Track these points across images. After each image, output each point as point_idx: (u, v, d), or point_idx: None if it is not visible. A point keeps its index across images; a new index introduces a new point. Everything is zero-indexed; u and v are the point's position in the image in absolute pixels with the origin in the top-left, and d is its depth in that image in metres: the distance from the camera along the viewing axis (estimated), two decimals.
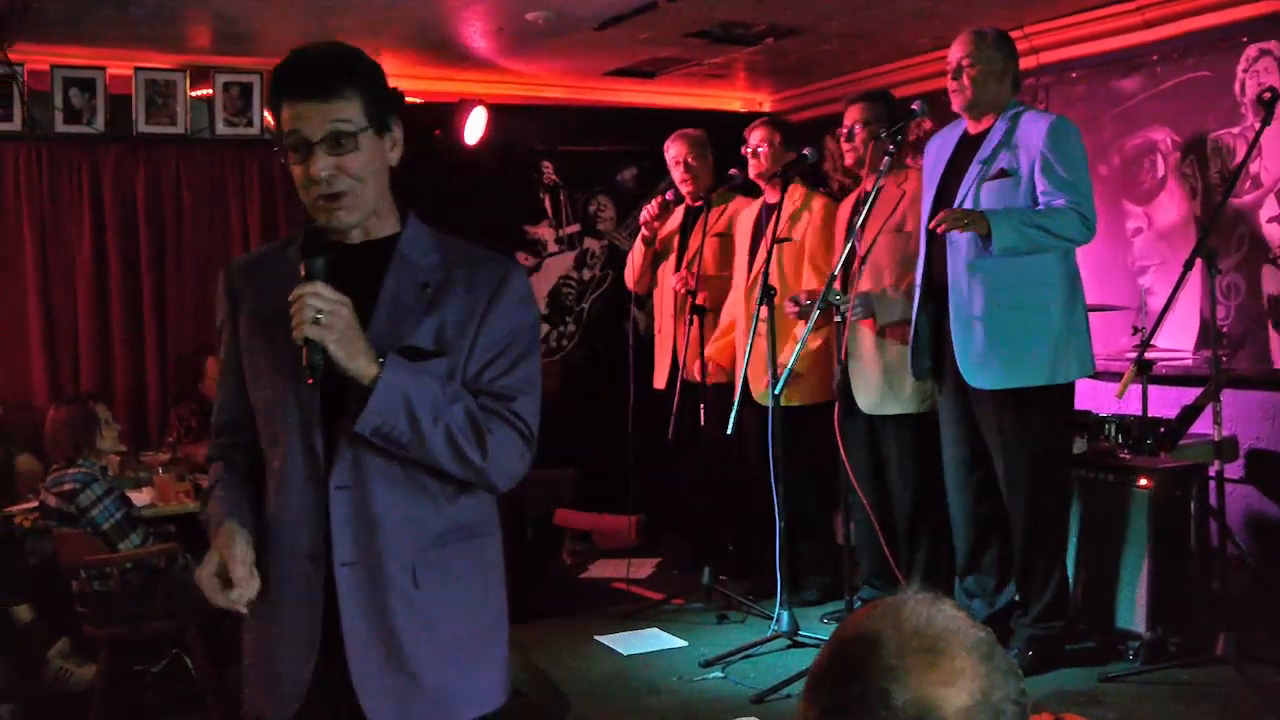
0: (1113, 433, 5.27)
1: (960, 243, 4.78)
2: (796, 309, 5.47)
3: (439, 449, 2.27)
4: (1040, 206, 4.67)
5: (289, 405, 2.33)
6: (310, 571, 2.33)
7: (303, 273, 2.25)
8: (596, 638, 5.55)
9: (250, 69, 7.06)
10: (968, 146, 4.93)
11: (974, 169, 4.82)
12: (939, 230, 4.65)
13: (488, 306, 2.35)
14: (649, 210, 6.46)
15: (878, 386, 5.40)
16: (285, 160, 2.30)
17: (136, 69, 6.84)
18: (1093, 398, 5.73)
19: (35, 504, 5.31)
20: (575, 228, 8.19)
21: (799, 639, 5.18)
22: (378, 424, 2.24)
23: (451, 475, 2.32)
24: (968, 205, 4.77)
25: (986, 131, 4.86)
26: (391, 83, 6.94)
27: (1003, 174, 4.75)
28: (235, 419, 2.48)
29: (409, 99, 7.10)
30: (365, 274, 2.34)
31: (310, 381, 2.23)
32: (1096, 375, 5.25)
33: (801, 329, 5.34)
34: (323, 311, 2.19)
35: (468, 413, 2.30)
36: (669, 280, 6.45)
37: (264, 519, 2.40)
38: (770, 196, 5.99)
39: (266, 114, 7.14)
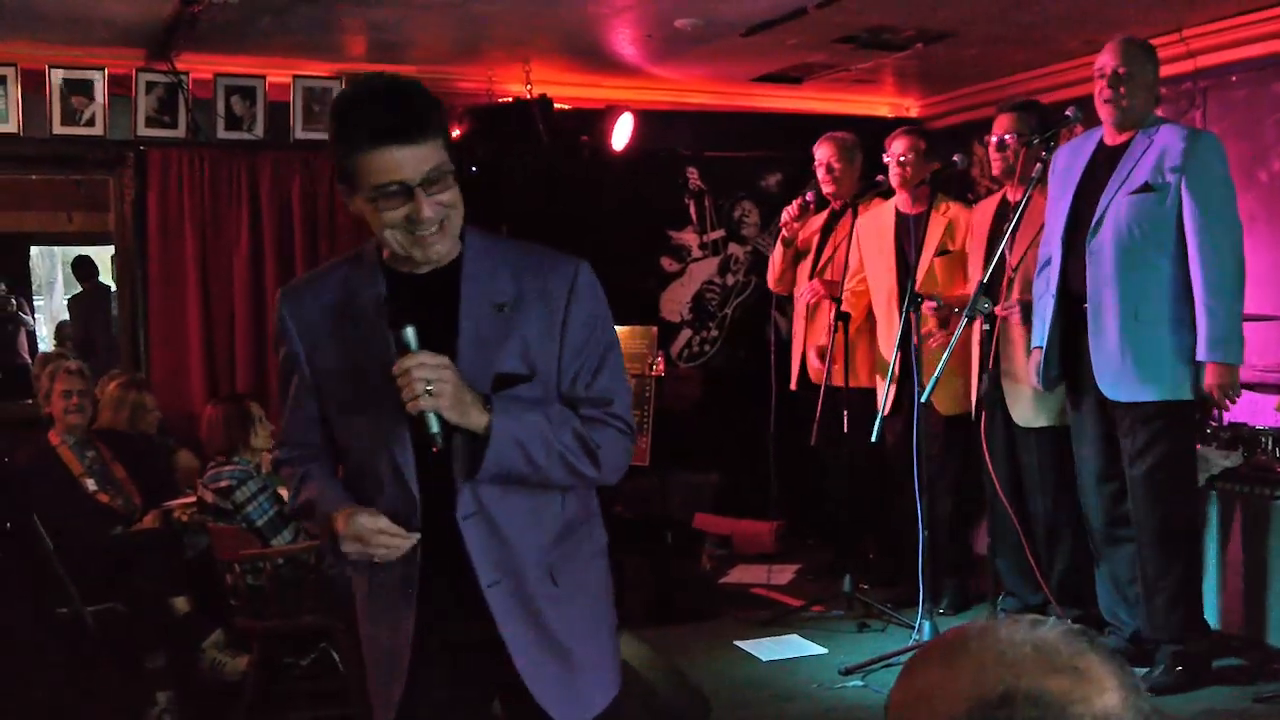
0: (1270, 445, 5.13)
1: (1102, 253, 4.70)
2: (935, 306, 5.45)
3: (556, 473, 2.39)
4: (1190, 226, 4.59)
5: (378, 445, 2.40)
6: (400, 609, 2.44)
7: (395, 347, 2.28)
8: (736, 643, 5.54)
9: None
10: (1106, 158, 4.83)
11: (1114, 182, 4.73)
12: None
13: (566, 313, 2.39)
14: (789, 211, 6.47)
15: (1031, 399, 5.32)
16: (361, 203, 2.30)
17: (295, 77, 7.02)
18: (1250, 410, 5.57)
19: (193, 499, 5.49)
20: (719, 233, 8.20)
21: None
22: (495, 470, 2.33)
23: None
24: (1109, 219, 4.70)
25: (1127, 144, 4.76)
26: (539, 89, 7.04)
27: (1146, 188, 4.65)
28: (312, 441, 2.54)
29: (557, 105, 7.20)
30: (439, 303, 2.38)
31: (435, 450, 2.29)
32: (1254, 387, 5.11)
33: (943, 338, 5.29)
34: (432, 381, 2.24)
35: (575, 434, 2.39)
36: (805, 281, 6.45)
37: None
38: (906, 205, 5.94)
39: None
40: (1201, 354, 4.58)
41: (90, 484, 5.56)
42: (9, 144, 6.58)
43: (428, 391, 2.24)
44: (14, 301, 10.70)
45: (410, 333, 2.27)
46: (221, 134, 6.94)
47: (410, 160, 2.23)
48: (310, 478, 2.51)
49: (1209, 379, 4.56)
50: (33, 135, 6.57)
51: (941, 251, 5.73)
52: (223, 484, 5.18)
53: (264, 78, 6.98)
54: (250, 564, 5.04)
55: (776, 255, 6.66)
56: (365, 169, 2.25)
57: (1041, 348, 4.96)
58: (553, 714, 2.44)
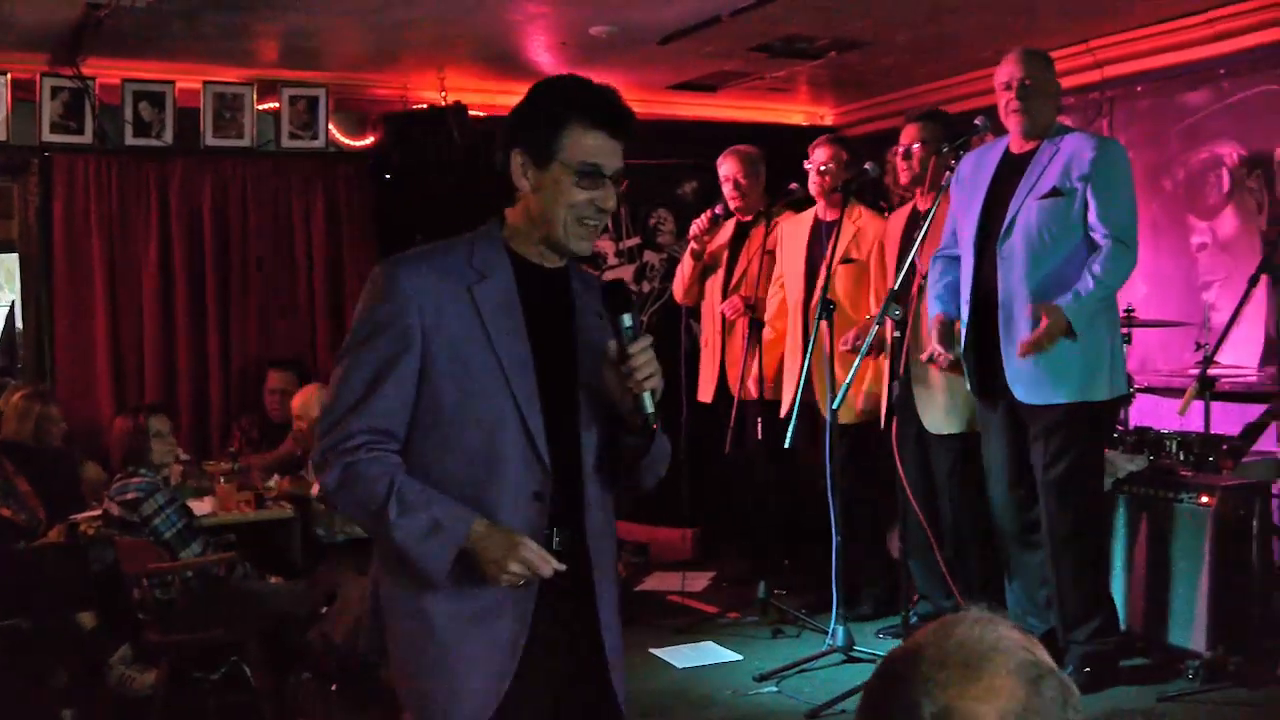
0: (1174, 449, 5.21)
1: (1013, 257, 4.76)
2: (848, 348, 5.51)
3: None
4: (1095, 228, 4.65)
5: (512, 426, 2.43)
6: (520, 589, 2.43)
7: (625, 328, 2.40)
8: (651, 650, 5.54)
9: (316, 83, 7.15)
10: (1013, 166, 4.88)
11: (1023, 188, 4.79)
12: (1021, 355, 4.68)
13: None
14: (698, 224, 6.47)
15: (941, 405, 5.36)
16: (555, 174, 2.41)
17: (205, 83, 6.94)
18: (1154, 414, 5.66)
19: (99, 512, 5.39)
20: (635, 240, 8.21)
21: (854, 654, 5.15)
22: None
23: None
24: (1019, 224, 4.75)
25: (1033, 151, 4.83)
26: (454, 97, 7.00)
27: (1055, 193, 4.71)
28: (396, 429, 2.43)
29: (473, 112, 7.17)
30: (557, 299, 2.54)
31: (655, 428, 2.47)
32: (1159, 391, 5.19)
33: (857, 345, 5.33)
34: (656, 365, 2.42)
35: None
36: (717, 294, 6.45)
37: None
38: (827, 214, 5.98)
39: (331, 127, 7.22)
40: (1063, 300, 4.60)
41: None
42: None
43: (657, 373, 2.42)
44: None
45: (634, 318, 2.43)
46: (130, 140, 6.85)
47: (615, 153, 2.43)
48: (411, 489, 2.41)
49: (1047, 315, 4.56)
50: None
51: (846, 260, 5.75)
52: (129, 496, 5.09)
53: (173, 83, 6.89)
54: (158, 578, 4.97)
55: (685, 267, 6.66)
56: (579, 144, 2.40)
57: (942, 314, 5.05)
58: (619, 699, 2.57)
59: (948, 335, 5.08)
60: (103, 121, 6.76)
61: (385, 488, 2.37)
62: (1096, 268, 4.62)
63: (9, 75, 6.52)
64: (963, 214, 5.04)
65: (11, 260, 7.60)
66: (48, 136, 6.66)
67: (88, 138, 6.73)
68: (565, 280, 2.56)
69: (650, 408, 2.43)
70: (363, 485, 2.39)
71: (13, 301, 9.97)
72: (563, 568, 2.40)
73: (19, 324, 9.84)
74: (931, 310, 5.15)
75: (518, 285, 2.47)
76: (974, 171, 5.02)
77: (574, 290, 2.56)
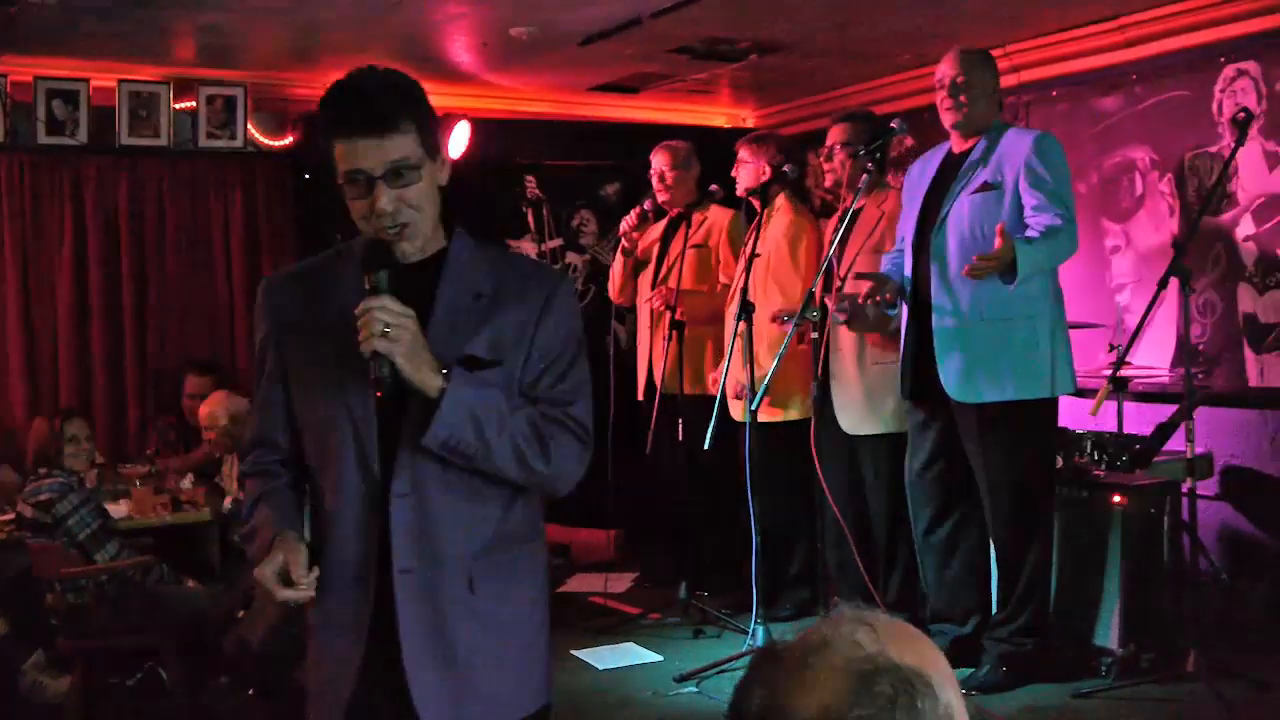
0: (1088, 449, 5.29)
1: (945, 254, 4.80)
2: (777, 321, 5.51)
3: (504, 458, 2.34)
4: (1031, 220, 4.66)
5: (343, 421, 2.36)
6: (358, 594, 2.37)
7: (367, 285, 2.29)
8: (573, 652, 5.55)
9: (235, 81, 7.07)
10: (952, 165, 4.95)
11: (957, 184, 4.84)
12: (970, 276, 4.59)
13: (541, 314, 2.40)
14: (627, 221, 6.48)
15: (859, 405, 5.40)
16: (341, 193, 2.32)
17: (120, 81, 6.85)
18: (1069, 414, 5.72)
19: (11, 516, 5.30)
20: (558, 242, 8.20)
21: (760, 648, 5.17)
22: (445, 437, 2.28)
23: (509, 482, 2.39)
24: (951, 219, 4.80)
25: (970, 150, 4.88)
26: None
27: (985, 187, 4.76)
28: (274, 436, 2.49)
29: None
30: (420, 288, 2.37)
31: (380, 395, 2.28)
32: (1073, 392, 5.26)
33: (778, 344, 5.35)
34: (390, 325, 2.24)
35: (530, 421, 2.36)
36: (646, 290, 6.48)
37: (311, 539, 2.43)
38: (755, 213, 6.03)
39: (250, 127, 7.15)
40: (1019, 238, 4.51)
41: None
42: None
43: (385, 332, 2.23)
44: None
45: (384, 276, 2.28)
46: (42, 139, 6.72)
47: (373, 152, 2.25)
48: (263, 499, 2.46)
49: (1000, 241, 4.41)
50: None
51: (753, 255, 5.74)
52: (43, 497, 4.99)
53: (88, 81, 6.78)
54: (71, 582, 4.89)
55: (617, 266, 6.68)
56: (340, 156, 2.27)
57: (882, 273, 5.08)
58: None
59: (875, 288, 5.01)
60: (15, 120, 6.64)
61: (248, 511, 2.47)
62: (1040, 225, 4.59)
63: None
64: (905, 216, 5.09)
65: None
66: None
67: None
68: (437, 268, 2.41)
69: (384, 370, 2.25)
70: (245, 508, 2.50)
71: None
72: (304, 596, 2.31)
73: None
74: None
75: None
76: (919, 175, 5.09)
77: (444, 277, 2.41)
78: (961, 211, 4.79)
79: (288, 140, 7.36)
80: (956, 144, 4.97)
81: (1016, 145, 4.76)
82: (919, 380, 4.98)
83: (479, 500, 2.39)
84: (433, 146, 2.33)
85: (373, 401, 2.32)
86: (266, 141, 7.33)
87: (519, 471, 2.37)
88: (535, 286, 2.43)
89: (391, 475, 2.34)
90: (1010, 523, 4.82)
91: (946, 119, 4.91)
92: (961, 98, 4.83)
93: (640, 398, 6.55)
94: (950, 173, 4.92)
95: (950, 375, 4.80)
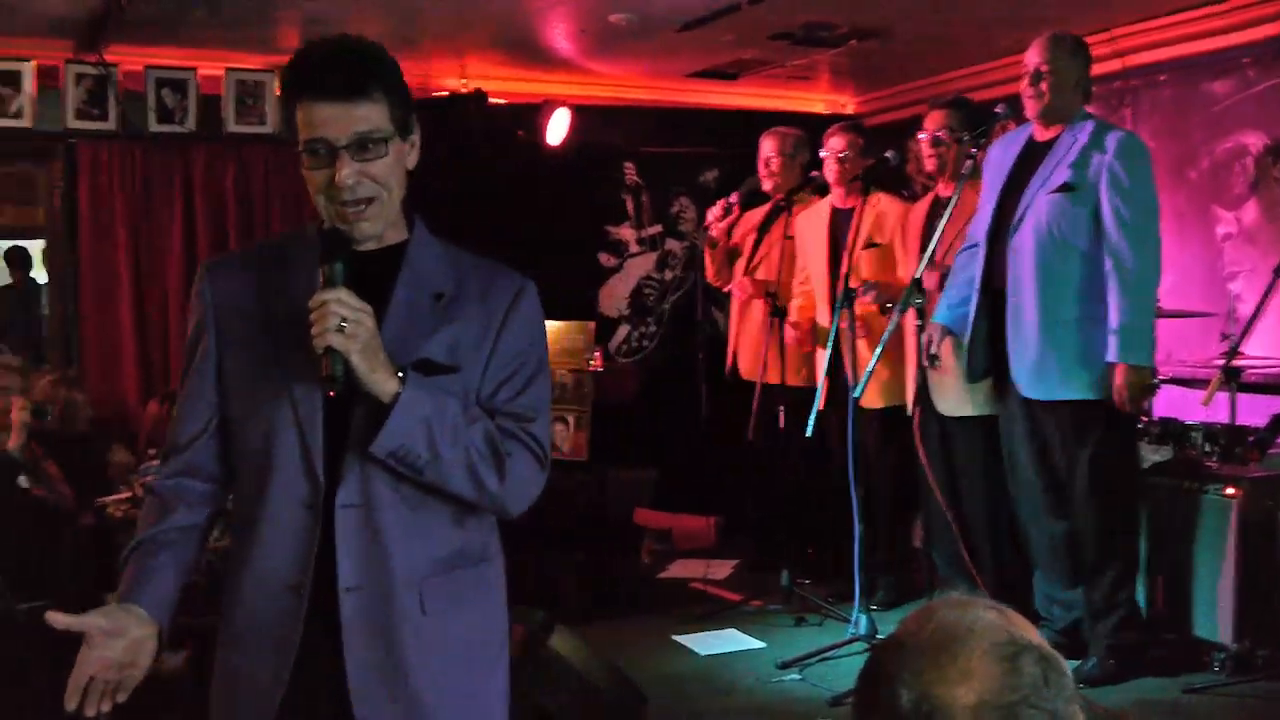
0: (1199, 441, 5.20)
1: (1022, 251, 4.75)
2: (871, 297, 5.48)
3: (456, 474, 2.16)
4: (1108, 226, 4.61)
5: (286, 420, 2.17)
6: (288, 605, 2.17)
7: (322, 278, 2.10)
8: (674, 637, 5.56)
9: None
10: (1032, 155, 4.88)
11: (1036, 180, 4.78)
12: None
13: (504, 321, 2.24)
14: (713, 214, 6.48)
15: (955, 389, 5.36)
16: (301, 163, 2.14)
17: (227, 69, 6.95)
18: (1180, 406, 5.65)
19: (127, 495, 5.42)
20: (657, 229, 8.22)
21: (877, 642, 5.15)
22: (394, 446, 2.11)
23: (457, 499, 2.22)
24: (1029, 217, 4.74)
25: (1053, 141, 4.81)
26: (474, 84, 6.99)
27: (1065, 188, 4.69)
28: (199, 438, 2.26)
29: (492, 100, 7.17)
30: (375, 282, 2.18)
31: (332, 395, 2.10)
32: (1184, 382, 5.18)
33: (883, 333, 5.32)
34: (347, 320, 2.05)
35: (487, 436, 2.19)
36: (740, 277, 6.47)
37: (233, 550, 2.27)
38: (841, 201, 5.98)
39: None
40: (1111, 355, 4.60)
41: (24, 480, 5.46)
42: None
43: (341, 327, 2.04)
44: None
45: (340, 269, 2.10)
46: (153, 127, 6.85)
47: (339, 118, 2.08)
48: (140, 553, 2.23)
49: (1117, 379, 4.57)
50: None
51: (870, 245, 5.75)
52: None
53: (195, 70, 6.89)
54: None
55: (707, 255, 6.69)
56: (298, 122, 2.11)
57: (941, 325, 5.03)
58: None
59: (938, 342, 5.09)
60: (126, 108, 6.77)
61: (129, 551, 2.25)
62: (1113, 293, 4.61)
63: (34, 63, 6.53)
64: (984, 200, 5.04)
65: (38, 246, 7.65)
66: (72, 123, 6.68)
67: (112, 125, 6.75)
68: (395, 261, 2.23)
69: (337, 368, 2.07)
70: (134, 540, 2.28)
71: (39, 285, 10.07)
72: (77, 626, 2.05)
73: (45, 309, 9.94)
74: (936, 312, 5.13)
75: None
76: (1000, 158, 5.02)
77: (403, 273, 2.23)
78: (1040, 211, 4.73)
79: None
80: (1038, 132, 4.89)
81: (1100, 144, 4.69)
82: (997, 371, 4.94)
83: (431, 516, 2.21)
84: (404, 123, 2.17)
85: (320, 401, 2.14)
86: None
87: (470, 488, 2.18)
88: (499, 290, 2.26)
89: (337, 483, 2.16)
90: (1095, 518, 4.77)
91: (1029, 107, 4.85)
92: (1042, 85, 4.76)
93: (726, 378, 6.57)
94: (1031, 163, 4.85)
95: (1023, 372, 4.77)
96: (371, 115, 2.10)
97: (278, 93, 7.06)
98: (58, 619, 2.00)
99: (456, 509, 2.24)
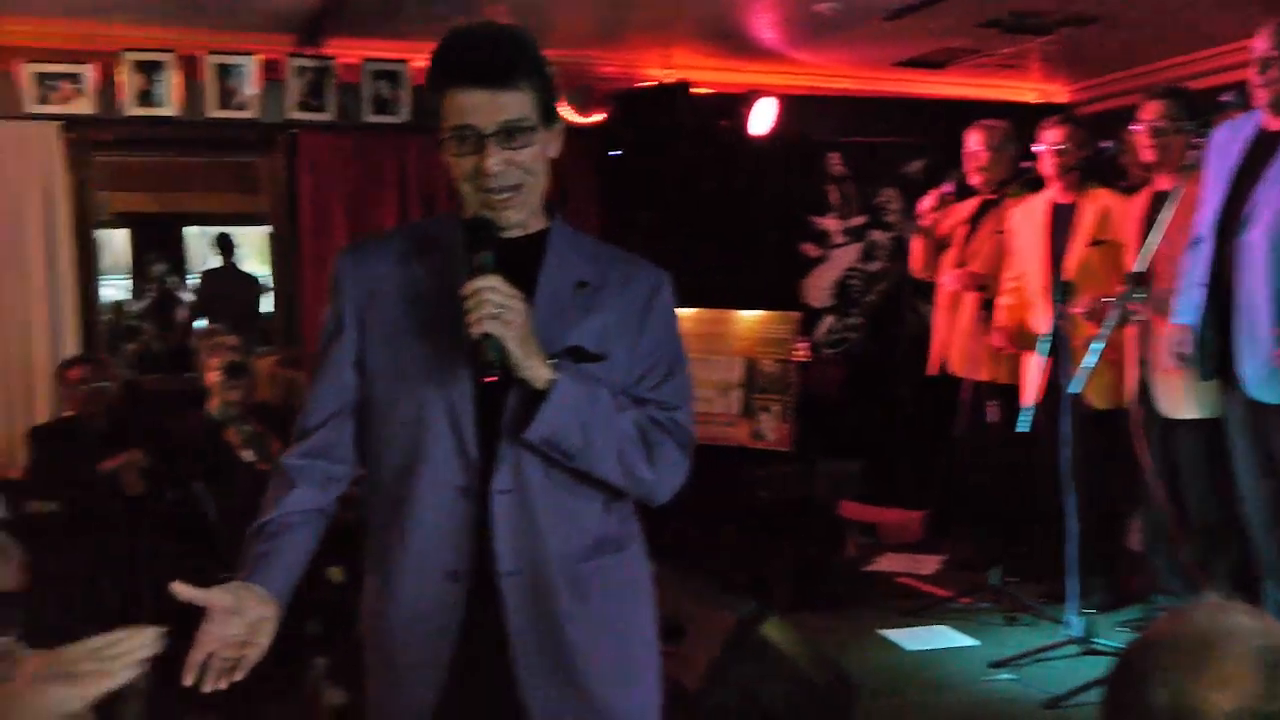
0: None
1: (1253, 249, 4.57)
2: (1085, 311, 5.34)
3: (607, 461, 2.18)
4: None
5: (438, 408, 2.17)
6: (447, 591, 2.20)
7: (473, 267, 2.11)
8: (881, 632, 5.53)
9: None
10: (1263, 145, 4.67)
11: (1270, 175, 4.59)
12: None
13: (645, 312, 2.26)
14: (926, 203, 6.40)
15: (1181, 389, 5.20)
16: (444, 149, 2.15)
17: None
18: None
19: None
20: (862, 219, 8.15)
21: (1093, 645, 5.03)
22: (548, 433, 2.12)
23: (604, 485, 2.23)
24: (1262, 214, 4.55)
25: None
26: (679, 75, 7.01)
27: None
28: (333, 420, 2.27)
29: (698, 90, 7.20)
30: (519, 270, 2.17)
31: (491, 380, 2.09)
32: None
33: (1101, 330, 5.20)
34: (502, 306, 2.05)
35: (637, 425, 2.22)
36: (949, 271, 6.38)
37: (375, 538, 2.29)
38: (1059, 195, 5.84)
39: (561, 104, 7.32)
40: None
41: (249, 455, 5.67)
42: (169, 127, 6.76)
43: (496, 314, 2.05)
44: (171, 279, 11.02)
45: (490, 257, 2.11)
46: (369, 117, 7.03)
47: (486, 105, 2.08)
48: (264, 534, 2.19)
49: None
50: (191, 119, 6.73)
51: (1096, 241, 5.62)
52: None
53: (407, 61, 7.05)
54: None
55: (916, 245, 6.60)
56: (449, 107, 2.10)
57: (1189, 326, 4.84)
58: None
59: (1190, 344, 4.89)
60: (344, 100, 6.97)
61: (255, 527, 2.21)
62: None
63: (259, 56, 6.77)
64: (1209, 189, 4.86)
65: (262, 233, 7.94)
66: (293, 114, 6.90)
67: (330, 115, 6.95)
68: (537, 250, 2.25)
69: (489, 356, 2.06)
70: (259, 516, 2.24)
71: (242, 271, 10.47)
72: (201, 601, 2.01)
73: (253, 290, 10.35)
74: (1181, 312, 4.96)
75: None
76: (1225, 144, 4.82)
77: (547, 261, 2.24)
78: (1273, 206, 4.54)
79: (596, 118, 7.50)
80: (1268, 121, 4.69)
81: None
82: (1223, 370, 4.77)
83: (582, 501, 2.23)
84: (549, 111, 2.17)
85: (471, 387, 2.15)
86: (575, 119, 7.49)
87: (620, 475, 2.21)
88: (640, 281, 2.28)
89: (490, 469, 2.16)
90: None
91: (1257, 96, 4.65)
92: (1272, 73, 4.57)
93: (931, 373, 6.48)
94: (1261, 154, 4.65)
95: (1252, 374, 4.60)
96: (519, 103, 2.10)
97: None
98: (183, 591, 1.98)
99: (605, 495, 2.25)
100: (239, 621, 2.02)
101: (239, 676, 2.01)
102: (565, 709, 2.22)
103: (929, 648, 5.35)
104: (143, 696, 4.04)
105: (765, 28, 6.76)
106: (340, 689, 5.10)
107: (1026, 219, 5.96)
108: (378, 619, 2.28)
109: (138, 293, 11.25)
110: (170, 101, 6.62)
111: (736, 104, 7.31)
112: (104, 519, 5.39)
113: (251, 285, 10.49)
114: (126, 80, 6.54)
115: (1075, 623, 5.09)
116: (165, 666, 1.97)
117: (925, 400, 6.40)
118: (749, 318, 6.47)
